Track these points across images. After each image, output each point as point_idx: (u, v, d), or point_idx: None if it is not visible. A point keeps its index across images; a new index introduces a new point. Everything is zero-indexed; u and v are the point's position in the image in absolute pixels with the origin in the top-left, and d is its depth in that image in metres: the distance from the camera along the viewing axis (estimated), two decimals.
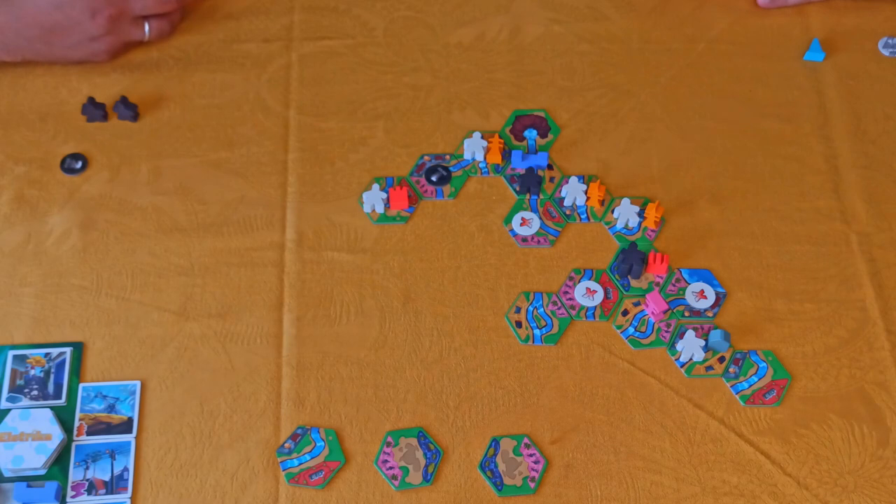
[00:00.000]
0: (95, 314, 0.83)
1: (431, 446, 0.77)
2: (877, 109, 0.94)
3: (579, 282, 0.85)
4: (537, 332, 0.82)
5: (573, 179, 0.89)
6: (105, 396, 0.79)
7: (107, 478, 0.76)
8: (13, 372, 0.80)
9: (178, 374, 0.80)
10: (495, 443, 0.77)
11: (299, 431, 0.78)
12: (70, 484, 0.75)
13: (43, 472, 0.76)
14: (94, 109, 0.92)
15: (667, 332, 0.82)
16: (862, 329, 0.83)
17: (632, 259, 0.83)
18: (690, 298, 0.84)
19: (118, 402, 0.79)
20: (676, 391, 0.80)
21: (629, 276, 0.85)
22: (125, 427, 0.78)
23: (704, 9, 1.00)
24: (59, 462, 0.76)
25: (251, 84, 0.95)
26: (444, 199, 0.89)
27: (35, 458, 0.75)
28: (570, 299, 0.84)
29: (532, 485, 0.76)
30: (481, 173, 0.90)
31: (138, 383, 0.80)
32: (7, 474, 0.75)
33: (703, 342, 0.80)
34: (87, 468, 0.76)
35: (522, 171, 0.90)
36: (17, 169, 0.90)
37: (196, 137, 0.92)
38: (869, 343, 0.82)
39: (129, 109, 0.92)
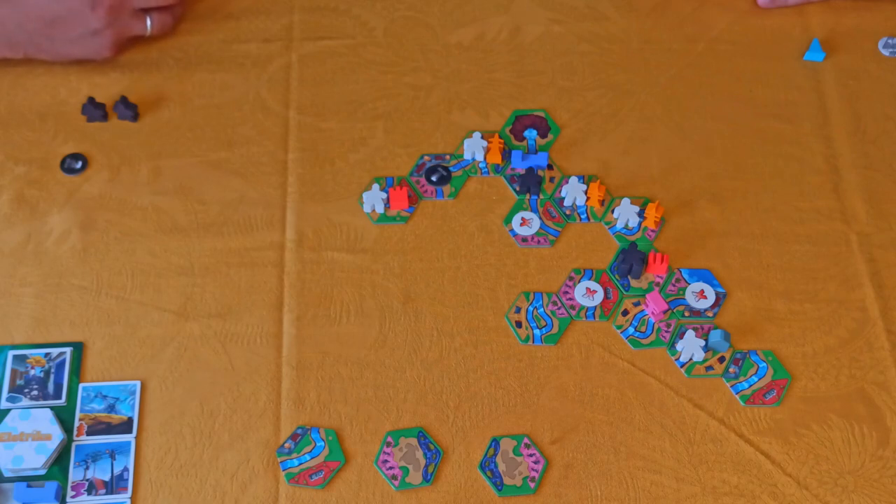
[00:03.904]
0: (95, 314, 0.83)
1: (431, 446, 0.77)
2: (877, 109, 0.94)
3: (579, 282, 0.85)
4: (537, 332, 0.82)
5: (573, 179, 0.89)
6: (105, 396, 0.79)
7: (107, 478, 0.76)
8: (13, 372, 0.80)
9: (178, 374, 0.80)
10: (495, 443, 0.77)
11: (299, 431, 0.78)
12: (70, 484, 0.75)
13: (43, 472, 0.76)
14: (94, 109, 0.92)
15: (667, 332, 0.82)
16: (862, 329, 0.83)
17: (632, 259, 0.83)
18: (690, 298, 0.84)
19: (118, 402, 0.79)
20: (676, 391, 0.80)
21: (629, 276, 0.85)
22: (125, 427, 0.78)
23: (704, 9, 1.00)
24: (59, 462, 0.76)
25: (251, 84, 0.95)
26: (444, 199, 0.89)
27: (35, 458, 0.75)
28: (570, 299, 0.84)
29: (532, 485, 0.76)
30: (481, 173, 0.90)
31: (138, 383, 0.80)
32: (7, 474, 0.75)
33: (703, 342, 0.80)
34: (87, 468, 0.76)
35: (522, 171, 0.90)
36: (17, 169, 0.90)
37: (196, 137, 0.92)
38: (869, 343, 0.82)
39: (129, 109, 0.92)
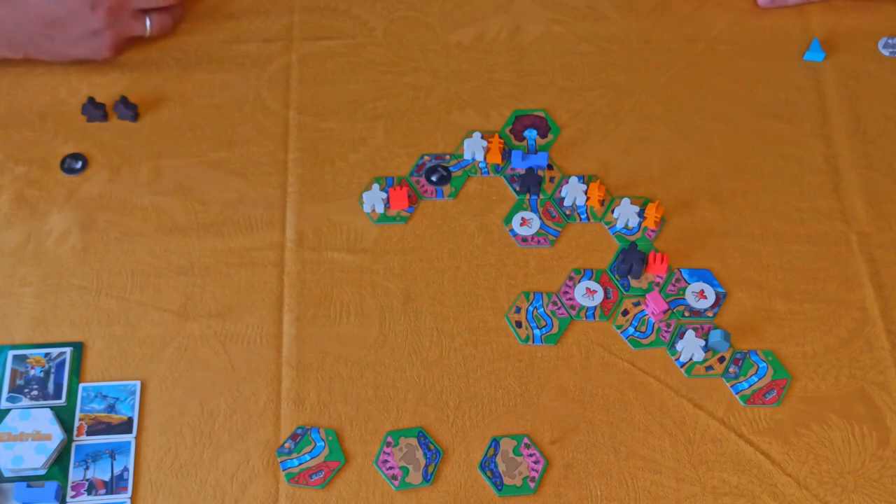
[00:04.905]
0: (95, 314, 0.83)
1: (431, 446, 0.77)
2: (877, 109, 0.94)
3: (579, 282, 0.85)
4: (537, 332, 0.82)
5: (573, 179, 0.89)
6: (105, 396, 0.79)
7: (107, 478, 0.76)
8: (13, 372, 0.80)
9: (178, 374, 0.80)
10: (495, 443, 0.77)
11: (299, 431, 0.78)
12: (70, 484, 0.75)
13: (43, 472, 0.76)
14: (94, 109, 0.92)
15: (667, 332, 0.82)
16: (862, 329, 0.83)
17: (632, 259, 0.83)
18: (690, 298, 0.84)
19: (118, 402, 0.79)
20: (676, 391, 0.80)
21: (629, 276, 0.85)
22: (125, 427, 0.78)
23: (704, 9, 1.00)
24: (59, 462, 0.76)
25: (251, 84, 0.95)
26: (444, 199, 0.89)
27: (35, 458, 0.75)
28: (570, 299, 0.84)
29: (532, 485, 0.76)
30: (481, 173, 0.90)
31: (138, 383, 0.80)
32: (7, 474, 0.75)
33: (703, 342, 0.80)
34: (87, 468, 0.76)
35: (522, 171, 0.90)
36: (17, 169, 0.90)
37: (196, 137, 0.92)
38: (869, 343, 0.82)
39: (129, 109, 0.92)
